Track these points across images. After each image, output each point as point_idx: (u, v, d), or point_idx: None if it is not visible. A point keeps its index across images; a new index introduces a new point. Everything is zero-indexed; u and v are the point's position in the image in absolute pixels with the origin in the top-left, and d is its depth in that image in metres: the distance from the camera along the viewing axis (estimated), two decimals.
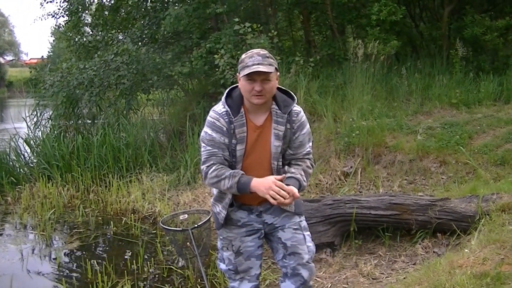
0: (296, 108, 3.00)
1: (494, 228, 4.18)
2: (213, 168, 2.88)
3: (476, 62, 9.61)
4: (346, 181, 6.47)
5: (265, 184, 2.78)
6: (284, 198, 2.75)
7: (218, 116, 2.91)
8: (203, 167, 2.94)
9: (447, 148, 6.36)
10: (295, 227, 3.13)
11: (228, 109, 2.91)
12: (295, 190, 2.81)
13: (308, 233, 3.20)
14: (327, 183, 6.52)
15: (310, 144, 3.09)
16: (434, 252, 4.61)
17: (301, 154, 3.03)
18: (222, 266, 3.26)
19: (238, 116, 2.90)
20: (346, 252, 5.01)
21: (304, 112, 3.07)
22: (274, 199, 2.74)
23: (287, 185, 2.81)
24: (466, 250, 3.99)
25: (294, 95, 3.04)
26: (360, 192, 6.20)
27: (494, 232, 4.10)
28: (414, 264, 4.49)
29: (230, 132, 2.90)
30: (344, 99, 8.00)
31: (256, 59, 2.79)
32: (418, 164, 6.34)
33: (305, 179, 2.98)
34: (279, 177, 2.85)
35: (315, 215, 4.94)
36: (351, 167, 6.57)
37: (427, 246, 4.72)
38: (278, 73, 2.95)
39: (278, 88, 3.00)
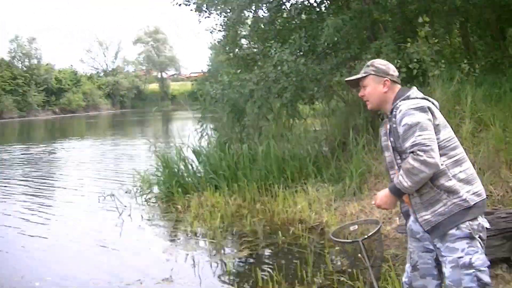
0: (400, 103, 2.96)
1: None
2: None
3: None
4: None
5: None
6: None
7: None
8: None
9: None
10: (453, 264, 2.84)
11: None
12: (378, 196, 3.05)
13: (471, 271, 2.81)
14: (498, 195, 6.06)
15: (417, 134, 2.79)
16: None
17: (407, 148, 2.83)
18: (403, 277, 3.24)
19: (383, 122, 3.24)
20: None
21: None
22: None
23: None
24: None
25: (411, 94, 3.02)
26: None
27: None
28: None
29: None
30: None
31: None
32: None
33: (402, 179, 2.84)
34: None
35: (488, 229, 4.62)
36: None
37: None
38: (385, 78, 3.10)
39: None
